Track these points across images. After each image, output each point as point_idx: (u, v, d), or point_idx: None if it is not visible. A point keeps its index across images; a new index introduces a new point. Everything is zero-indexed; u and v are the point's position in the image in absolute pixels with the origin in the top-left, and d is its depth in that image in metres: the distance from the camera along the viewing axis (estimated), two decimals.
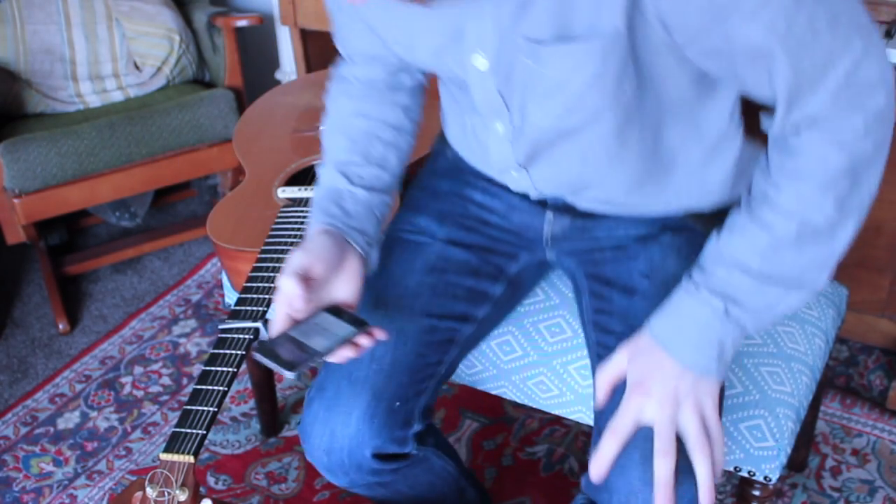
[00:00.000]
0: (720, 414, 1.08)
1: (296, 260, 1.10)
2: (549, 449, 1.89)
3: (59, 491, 1.86)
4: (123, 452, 1.94)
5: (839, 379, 2.03)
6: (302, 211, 1.46)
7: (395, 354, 1.20)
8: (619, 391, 1.09)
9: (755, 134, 1.19)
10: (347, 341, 1.06)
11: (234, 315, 1.30)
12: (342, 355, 1.06)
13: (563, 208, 1.27)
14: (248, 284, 1.34)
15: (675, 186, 1.20)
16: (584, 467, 1.84)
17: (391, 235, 1.32)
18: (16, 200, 2.19)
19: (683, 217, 1.25)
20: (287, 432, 1.97)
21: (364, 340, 1.07)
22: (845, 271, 1.23)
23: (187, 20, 2.52)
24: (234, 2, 2.91)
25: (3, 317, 2.37)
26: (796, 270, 1.03)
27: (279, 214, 1.47)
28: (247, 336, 1.27)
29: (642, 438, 1.05)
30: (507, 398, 1.43)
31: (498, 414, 1.97)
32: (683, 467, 1.03)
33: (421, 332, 1.22)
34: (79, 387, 2.13)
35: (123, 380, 2.14)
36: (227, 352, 1.25)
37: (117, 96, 2.46)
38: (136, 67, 2.48)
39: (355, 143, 1.26)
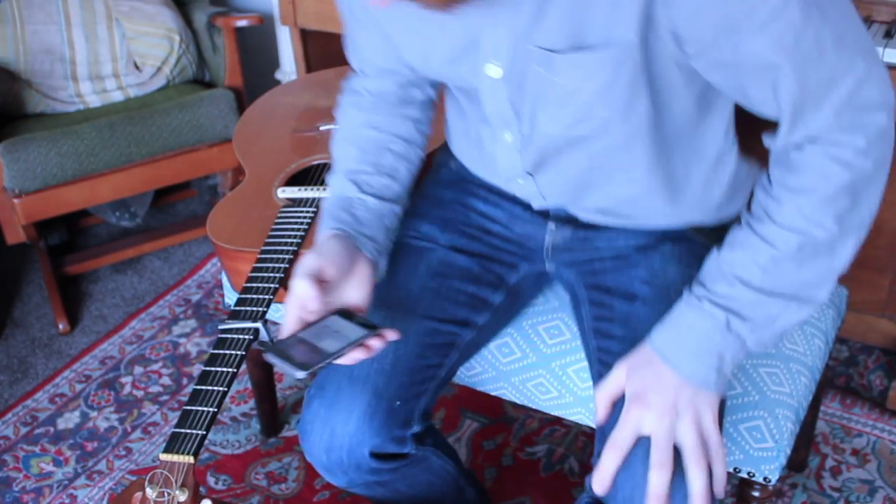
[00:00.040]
0: (721, 428, 1.08)
1: (308, 262, 1.10)
2: (549, 449, 1.89)
3: (59, 491, 1.86)
4: (123, 452, 1.94)
5: (839, 379, 2.03)
6: (302, 211, 1.46)
7: (396, 354, 1.21)
8: (619, 406, 1.09)
9: (749, 151, 1.24)
10: (359, 343, 1.06)
11: (234, 315, 1.30)
12: (353, 357, 1.07)
13: (566, 219, 1.29)
14: (248, 285, 1.34)
15: (676, 202, 1.21)
16: (584, 467, 1.84)
17: (395, 241, 1.33)
18: (16, 200, 2.19)
19: (683, 229, 1.26)
20: (287, 432, 1.97)
21: (376, 342, 1.07)
22: (845, 271, 1.24)
23: (187, 20, 2.52)
24: (234, 2, 2.91)
25: (3, 317, 2.37)
26: (797, 284, 1.04)
27: (279, 215, 1.47)
28: (247, 336, 1.26)
29: (646, 436, 1.06)
30: (507, 399, 1.43)
31: (498, 414, 1.97)
32: (682, 477, 1.03)
33: (422, 333, 1.23)
34: (79, 387, 2.13)
35: (123, 380, 2.14)
36: (227, 352, 1.25)
37: (117, 96, 2.46)
38: (136, 67, 2.48)
39: (366, 153, 1.27)
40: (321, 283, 1.09)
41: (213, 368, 1.23)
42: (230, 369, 1.22)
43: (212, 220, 1.51)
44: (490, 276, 1.31)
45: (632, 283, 1.24)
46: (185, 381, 2.13)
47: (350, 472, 1.23)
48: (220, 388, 1.20)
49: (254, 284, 1.34)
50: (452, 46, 1.11)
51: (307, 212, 1.46)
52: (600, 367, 1.21)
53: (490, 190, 1.33)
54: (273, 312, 1.59)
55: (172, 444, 1.14)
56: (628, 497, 1.06)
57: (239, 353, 1.24)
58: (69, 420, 2.03)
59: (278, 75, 2.56)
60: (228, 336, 1.27)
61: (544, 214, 1.30)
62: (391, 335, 1.09)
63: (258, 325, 1.28)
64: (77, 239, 2.68)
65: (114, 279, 2.50)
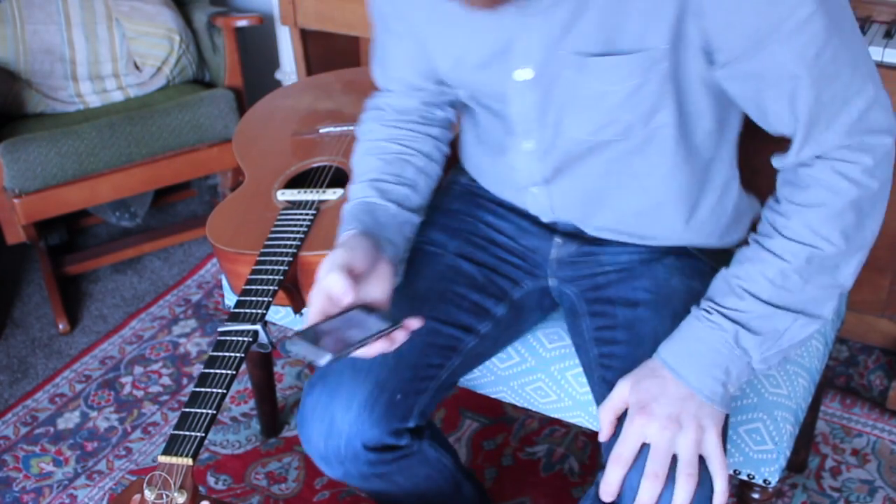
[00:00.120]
0: (725, 444, 1.08)
1: (338, 256, 1.10)
2: (549, 449, 1.89)
3: (59, 491, 1.86)
4: (123, 452, 1.95)
5: (839, 379, 2.03)
6: (301, 214, 1.46)
7: (399, 350, 1.21)
8: (622, 421, 1.09)
9: (747, 187, 1.30)
10: (382, 334, 1.06)
11: (233, 317, 1.30)
12: (376, 348, 1.07)
13: (572, 234, 1.31)
14: (247, 287, 1.34)
15: (684, 222, 1.24)
16: (584, 467, 1.84)
17: None
18: (16, 200, 2.19)
19: (687, 247, 1.29)
20: (287, 432, 1.97)
21: (399, 334, 1.08)
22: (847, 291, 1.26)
23: (187, 20, 2.52)
24: (234, 2, 2.90)
25: (3, 317, 2.37)
26: (803, 298, 1.07)
27: (278, 217, 1.47)
28: (246, 339, 1.26)
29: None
30: (507, 402, 1.43)
31: (498, 414, 1.98)
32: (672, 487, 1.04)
33: (426, 333, 1.23)
34: (79, 387, 2.13)
35: (123, 380, 2.14)
36: (226, 354, 1.25)
37: (117, 96, 2.46)
38: (136, 67, 2.48)
39: (388, 163, 1.29)
40: (352, 275, 1.09)
41: (212, 370, 1.23)
42: (229, 371, 1.22)
43: (211, 222, 1.51)
44: (493, 288, 1.32)
45: (635, 292, 1.25)
46: (185, 381, 2.13)
47: (347, 462, 1.23)
48: (220, 390, 1.20)
49: (253, 287, 1.34)
50: (486, 52, 1.14)
51: (307, 214, 1.46)
52: (603, 372, 1.21)
53: (499, 204, 1.36)
54: (272, 314, 1.59)
55: (171, 446, 1.14)
56: (635, 487, 1.06)
57: (238, 355, 1.24)
58: (69, 420, 2.04)
59: (278, 75, 2.56)
60: (227, 338, 1.27)
61: (552, 229, 1.32)
62: (415, 324, 1.09)
63: (257, 327, 1.28)
64: (77, 239, 2.68)
65: (114, 279, 2.50)
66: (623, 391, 1.08)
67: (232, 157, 2.29)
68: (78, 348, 2.25)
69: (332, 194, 1.51)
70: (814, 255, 1.05)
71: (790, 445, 1.28)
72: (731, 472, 1.29)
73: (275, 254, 1.38)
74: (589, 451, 1.88)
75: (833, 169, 1.04)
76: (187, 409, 1.18)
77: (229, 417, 2.02)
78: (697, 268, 1.26)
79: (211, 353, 1.26)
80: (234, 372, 1.22)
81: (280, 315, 1.61)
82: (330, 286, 1.07)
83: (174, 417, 2.01)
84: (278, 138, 1.74)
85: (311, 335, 1.03)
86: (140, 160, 2.29)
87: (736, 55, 1.01)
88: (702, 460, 1.05)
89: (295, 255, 1.38)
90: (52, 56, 2.40)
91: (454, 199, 1.40)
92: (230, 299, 1.67)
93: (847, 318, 1.96)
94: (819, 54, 0.99)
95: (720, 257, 1.25)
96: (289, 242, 1.40)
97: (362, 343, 1.04)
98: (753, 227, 1.16)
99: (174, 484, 1.11)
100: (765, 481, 1.28)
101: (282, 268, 1.35)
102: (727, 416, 1.13)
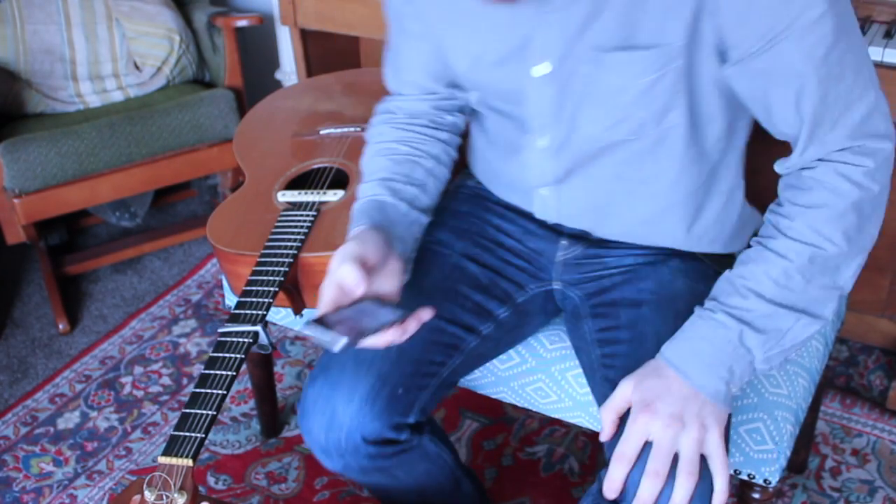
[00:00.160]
0: (727, 444, 1.08)
1: (350, 248, 1.11)
2: (549, 449, 1.89)
3: (59, 491, 1.86)
4: (123, 452, 1.95)
5: (839, 379, 2.03)
6: (302, 215, 1.46)
7: (402, 345, 1.22)
8: (625, 421, 1.09)
9: (751, 200, 1.33)
10: (395, 323, 1.07)
11: (234, 318, 1.30)
12: (388, 337, 1.08)
13: (578, 236, 1.32)
14: (248, 288, 1.34)
15: (689, 228, 1.26)
16: (584, 467, 1.84)
17: None
18: (16, 200, 2.18)
19: (692, 252, 1.31)
20: (287, 432, 1.97)
21: (411, 323, 1.08)
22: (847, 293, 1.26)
23: (187, 20, 2.52)
24: (234, 2, 2.90)
25: (3, 317, 2.37)
26: (806, 298, 1.08)
27: (279, 218, 1.46)
28: (246, 340, 1.27)
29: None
30: (507, 402, 1.43)
31: (498, 414, 1.98)
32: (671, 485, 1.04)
33: (429, 330, 1.23)
34: (79, 387, 2.13)
35: (123, 380, 2.14)
36: (227, 355, 1.25)
37: (117, 96, 2.46)
38: (136, 67, 2.47)
39: (398, 164, 1.30)
40: (364, 267, 1.10)
41: (212, 371, 1.23)
42: (230, 372, 1.22)
43: (212, 223, 1.51)
44: (497, 291, 1.33)
45: (640, 293, 1.26)
46: (185, 381, 2.13)
47: (347, 455, 1.24)
48: (220, 391, 1.20)
49: (253, 288, 1.34)
50: (504, 48, 1.16)
51: (307, 216, 1.46)
52: (605, 372, 1.22)
53: (507, 207, 1.38)
54: (272, 315, 1.59)
55: (171, 447, 1.14)
56: (637, 482, 1.06)
57: (238, 356, 1.25)
58: (69, 420, 2.04)
59: (278, 75, 2.56)
60: (228, 339, 1.27)
61: (558, 231, 1.33)
62: (426, 314, 1.10)
63: (258, 328, 1.28)
64: (77, 239, 2.68)
65: (114, 279, 2.50)
66: (626, 390, 1.09)
67: (232, 157, 2.29)
68: (78, 348, 2.25)
69: (332, 196, 1.51)
70: (816, 255, 1.06)
71: (790, 445, 1.28)
72: (732, 471, 1.29)
73: (275, 255, 1.38)
74: (589, 451, 1.88)
75: (836, 171, 1.06)
76: (187, 410, 1.18)
77: (229, 417, 2.02)
78: (702, 271, 1.27)
79: (211, 354, 1.26)
80: (234, 373, 1.22)
81: (280, 315, 1.61)
82: (342, 277, 1.08)
83: (174, 417, 2.01)
84: (279, 139, 1.74)
85: (324, 322, 1.04)
86: (140, 160, 2.29)
87: (748, 52, 1.04)
88: (702, 459, 1.05)
89: (295, 257, 1.38)
90: (52, 56, 2.40)
91: (462, 202, 1.41)
92: (230, 300, 1.67)
93: (847, 318, 1.96)
94: (827, 55, 1.02)
95: (724, 262, 1.26)
96: (289, 244, 1.40)
97: (376, 330, 1.05)
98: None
99: (174, 485, 1.11)
100: (765, 481, 1.28)
101: (282, 269, 1.35)
102: (730, 417, 1.14)
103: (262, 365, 1.82)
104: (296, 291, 1.43)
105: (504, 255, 1.36)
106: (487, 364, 1.39)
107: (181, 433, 1.16)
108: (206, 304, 2.37)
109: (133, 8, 2.43)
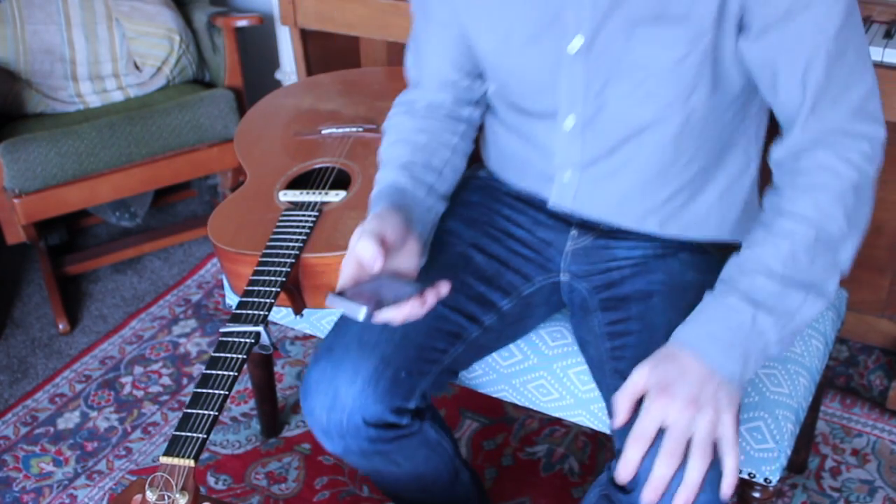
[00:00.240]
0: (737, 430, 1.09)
1: (369, 225, 1.13)
2: (549, 449, 1.89)
3: (59, 491, 1.86)
4: (123, 452, 1.95)
5: (839, 379, 2.03)
6: (303, 215, 1.46)
7: (406, 329, 1.23)
8: (636, 410, 1.10)
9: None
10: (414, 295, 1.08)
11: (235, 318, 1.30)
12: (407, 310, 1.09)
13: (588, 227, 1.34)
14: (249, 288, 1.34)
15: (696, 213, 1.28)
16: (584, 467, 1.84)
17: None
18: (16, 200, 2.18)
19: (699, 242, 1.32)
20: (287, 432, 1.97)
21: (430, 296, 1.10)
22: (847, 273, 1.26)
23: (187, 20, 2.52)
24: (234, 2, 2.90)
25: (3, 317, 2.37)
26: (812, 276, 1.09)
27: (280, 218, 1.47)
28: (248, 340, 1.27)
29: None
30: (507, 401, 1.43)
31: (498, 414, 1.98)
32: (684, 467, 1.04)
33: (433, 316, 1.24)
34: (79, 387, 2.13)
35: (123, 380, 2.14)
36: (228, 355, 1.25)
37: (117, 96, 2.46)
38: (136, 67, 2.47)
39: (418, 150, 1.32)
40: (383, 244, 1.12)
41: (214, 371, 1.23)
42: (231, 373, 1.22)
43: (213, 222, 1.51)
44: (502, 282, 1.34)
45: (649, 284, 1.27)
46: (185, 381, 2.13)
47: (348, 437, 1.24)
48: (222, 392, 1.20)
49: (255, 288, 1.34)
50: (534, 25, 1.18)
51: (309, 216, 1.46)
52: (615, 364, 1.22)
53: (517, 198, 1.39)
54: (273, 314, 1.59)
55: (173, 448, 1.14)
56: (649, 470, 1.06)
57: (240, 356, 1.25)
58: (69, 420, 2.04)
59: (278, 75, 2.56)
60: (229, 339, 1.27)
61: (567, 221, 1.34)
62: (444, 288, 1.11)
63: (259, 328, 1.28)
64: (77, 239, 2.68)
65: (114, 279, 2.50)
66: (641, 376, 1.08)
67: (232, 157, 2.30)
68: (78, 348, 2.25)
69: (334, 196, 1.51)
70: (821, 234, 1.08)
71: (791, 444, 1.29)
72: None
73: (277, 255, 1.38)
74: (589, 451, 1.88)
75: (835, 154, 1.09)
76: (189, 410, 1.18)
77: (229, 417, 2.02)
78: (712, 264, 1.28)
79: (213, 354, 1.26)
80: (235, 373, 1.22)
81: (281, 315, 1.61)
82: (361, 252, 1.10)
83: (174, 417, 2.01)
84: (280, 138, 1.74)
85: (346, 294, 1.06)
86: (140, 160, 2.29)
87: (767, 24, 1.07)
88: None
89: (297, 257, 1.38)
90: (52, 56, 2.40)
91: (472, 192, 1.42)
92: (231, 299, 1.67)
93: (847, 318, 1.96)
94: (838, 32, 1.06)
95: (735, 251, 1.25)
96: (291, 244, 1.40)
97: (394, 301, 1.07)
98: None
99: (176, 485, 1.11)
100: (765, 480, 1.28)
101: (284, 269, 1.35)
102: (739, 407, 1.14)
103: (263, 365, 1.83)
104: (297, 292, 1.43)
105: (513, 245, 1.36)
106: (489, 360, 1.40)
107: (183, 433, 1.16)
108: (206, 304, 2.37)
109: (133, 8, 2.43)
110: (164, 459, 1.13)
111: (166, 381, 2.13)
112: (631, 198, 1.27)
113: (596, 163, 1.24)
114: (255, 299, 1.32)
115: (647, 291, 1.26)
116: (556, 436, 1.92)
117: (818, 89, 1.08)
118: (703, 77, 1.13)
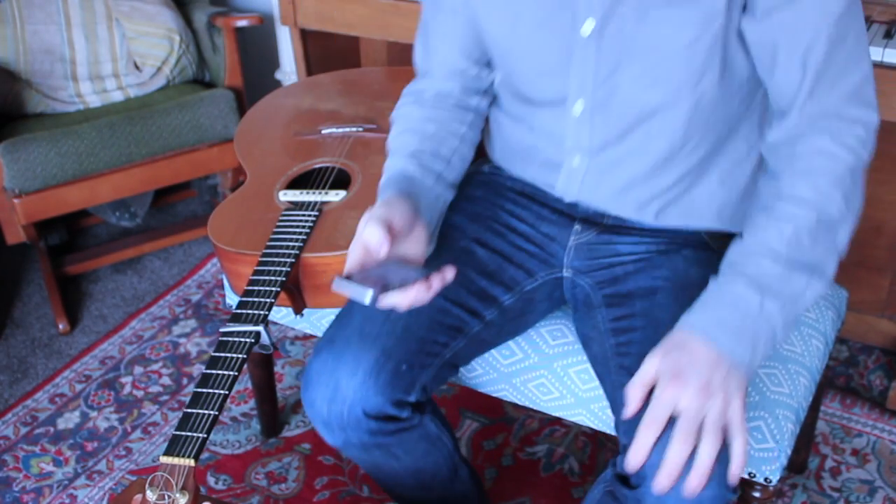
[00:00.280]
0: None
1: (378, 211, 1.14)
2: (549, 449, 1.89)
3: (59, 491, 1.86)
4: (123, 452, 1.95)
5: (839, 379, 2.03)
6: (304, 215, 1.46)
7: (407, 322, 1.24)
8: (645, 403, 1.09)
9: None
10: (420, 279, 1.08)
11: (236, 318, 1.30)
12: (412, 294, 1.09)
13: (591, 221, 1.34)
14: (250, 288, 1.34)
15: (697, 199, 1.28)
16: (584, 467, 1.84)
17: None
18: (16, 200, 2.18)
19: (700, 235, 1.32)
20: (287, 432, 1.97)
21: (436, 281, 1.10)
22: (845, 272, 1.27)
23: (187, 20, 2.52)
24: (234, 2, 2.90)
25: (3, 317, 2.37)
26: (816, 257, 1.10)
27: (280, 218, 1.47)
28: (248, 340, 1.27)
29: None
30: (508, 400, 1.43)
31: (498, 414, 1.98)
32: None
33: (434, 310, 1.25)
34: (79, 387, 2.13)
35: (123, 380, 2.14)
36: (229, 355, 1.25)
37: (117, 96, 2.46)
38: (136, 67, 2.47)
39: (426, 139, 1.32)
40: (390, 230, 1.12)
41: (214, 371, 1.23)
42: (231, 372, 1.22)
43: (213, 221, 1.51)
44: (504, 277, 1.34)
45: (653, 280, 1.28)
46: (185, 381, 2.13)
47: (348, 429, 1.24)
48: (222, 391, 1.20)
49: (255, 288, 1.34)
50: (544, 8, 1.18)
51: (309, 216, 1.46)
52: (620, 360, 1.22)
53: (520, 193, 1.39)
54: (273, 314, 1.59)
55: (173, 447, 1.14)
56: (656, 463, 1.06)
57: (240, 356, 1.25)
58: (69, 420, 2.04)
59: (278, 75, 2.56)
60: (230, 339, 1.27)
61: (571, 216, 1.35)
62: (450, 273, 1.11)
63: (260, 328, 1.28)
64: (77, 239, 2.68)
65: (114, 279, 2.50)
66: (652, 365, 1.08)
67: (232, 157, 2.30)
68: (78, 348, 2.25)
69: (334, 196, 1.51)
70: (821, 216, 1.09)
71: (791, 444, 1.29)
72: None
73: (277, 255, 1.38)
74: (589, 451, 1.88)
75: (832, 138, 1.11)
76: (189, 410, 1.18)
77: (229, 417, 2.02)
78: (714, 260, 1.26)
79: (213, 354, 1.26)
80: (236, 373, 1.22)
81: (281, 315, 1.61)
82: (368, 238, 1.10)
83: (174, 417, 2.01)
84: (280, 138, 1.74)
85: (352, 278, 1.06)
86: (140, 160, 2.29)
87: (772, 6, 1.09)
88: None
89: (297, 257, 1.38)
90: (52, 56, 2.40)
91: (476, 187, 1.43)
92: (231, 299, 1.67)
93: (847, 318, 1.95)
94: (840, 17, 1.08)
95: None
96: (291, 244, 1.40)
97: (402, 284, 1.07)
98: None
99: (176, 485, 1.11)
100: (766, 479, 1.28)
101: (284, 269, 1.35)
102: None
103: (263, 365, 1.83)
104: (297, 291, 1.43)
105: (516, 240, 1.37)
106: (489, 359, 1.40)
107: (183, 433, 1.16)
108: (206, 304, 2.37)
109: (133, 8, 2.43)
110: (165, 459, 1.14)
111: (166, 381, 2.13)
112: (636, 183, 1.27)
113: (605, 148, 1.25)
114: (256, 299, 1.32)
115: (651, 287, 1.27)
116: (556, 436, 1.92)
117: (817, 72, 1.10)
118: (713, 61, 1.14)
